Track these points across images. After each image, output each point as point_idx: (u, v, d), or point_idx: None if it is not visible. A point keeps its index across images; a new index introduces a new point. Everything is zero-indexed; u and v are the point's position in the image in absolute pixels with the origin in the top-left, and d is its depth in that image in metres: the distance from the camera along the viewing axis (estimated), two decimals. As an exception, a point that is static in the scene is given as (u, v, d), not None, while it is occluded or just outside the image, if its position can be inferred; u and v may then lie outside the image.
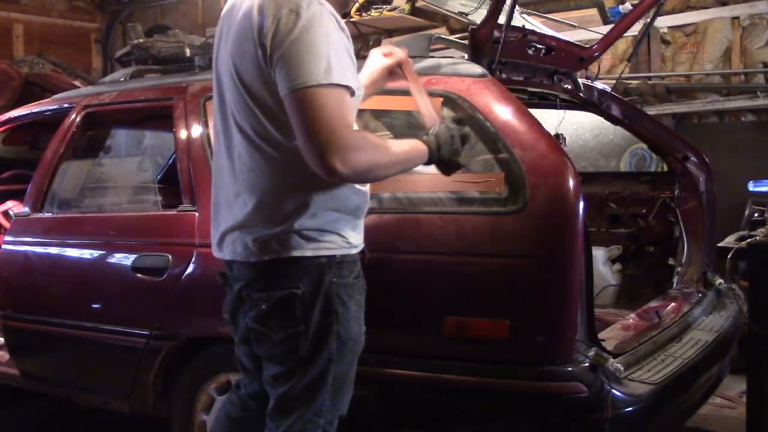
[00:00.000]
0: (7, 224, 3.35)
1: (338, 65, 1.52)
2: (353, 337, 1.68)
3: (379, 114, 2.24)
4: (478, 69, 2.16)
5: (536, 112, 2.13)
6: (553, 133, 2.33)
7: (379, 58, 1.96)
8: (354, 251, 1.69)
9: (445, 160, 1.75)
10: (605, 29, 3.29)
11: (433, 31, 2.59)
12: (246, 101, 1.61)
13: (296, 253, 1.61)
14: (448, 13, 2.64)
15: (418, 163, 1.73)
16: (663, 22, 5.11)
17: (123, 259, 2.54)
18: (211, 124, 2.50)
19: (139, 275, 2.47)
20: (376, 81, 1.94)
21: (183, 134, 2.55)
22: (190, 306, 2.38)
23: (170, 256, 2.40)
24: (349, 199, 1.67)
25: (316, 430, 1.67)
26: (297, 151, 1.58)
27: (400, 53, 1.96)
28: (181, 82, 2.72)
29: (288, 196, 1.61)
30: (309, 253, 1.61)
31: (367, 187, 1.73)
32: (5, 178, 3.95)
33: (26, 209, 2.91)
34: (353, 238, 1.69)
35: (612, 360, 1.95)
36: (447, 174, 1.82)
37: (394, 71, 1.95)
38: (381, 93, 2.00)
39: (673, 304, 2.74)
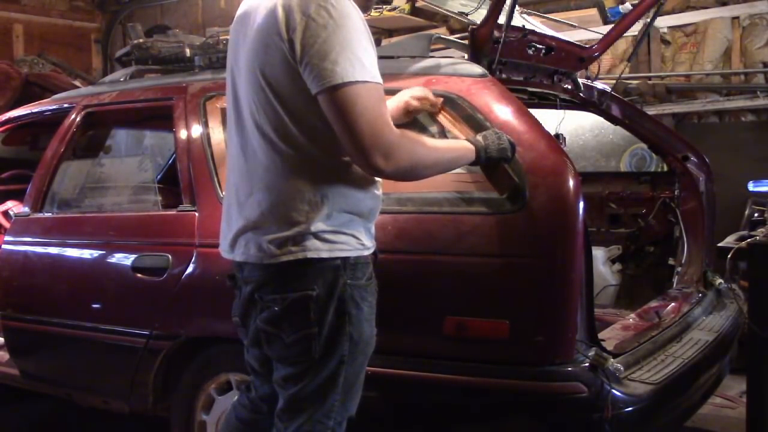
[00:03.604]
0: (7, 224, 3.35)
1: (370, 61, 1.52)
2: (365, 339, 1.67)
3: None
4: (478, 69, 2.16)
5: (536, 112, 2.13)
6: (553, 133, 2.32)
7: (404, 101, 2.00)
8: (367, 252, 1.68)
9: (493, 158, 1.83)
10: (605, 29, 3.29)
11: (433, 31, 2.58)
12: (268, 98, 1.60)
13: (312, 255, 1.59)
14: (448, 13, 2.64)
15: (465, 162, 1.81)
16: (663, 22, 5.11)
17: (123, 259, 2.54)
18: (211, 124, 2.49)
19: (139, 275, 2.47)
20: (396, 118, 1.98)
21: (183, 134, 2.55)
22: (190, 306, 2.38)
23: (170, 256, 2.40)
24: (363, 202, 1.67)
25: (325, 431, 1.67)
26: (314, 151, 1.59)
27: (431, 100, 2.03)
28: (181, 82, 2.72)
29: (303, 196, 1.60)
30: (324, 255, 1.60)
31: (380, 191, 1.73)
32: (5, 178, 3.95)
33: (26, 209, 2.91)
34: (366, 240, 1.68)
35: (612, 360, 1.95)
36: (499, 188, 1.90)
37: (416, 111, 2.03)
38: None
39: (673, 304, 2.74)
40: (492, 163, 1.86)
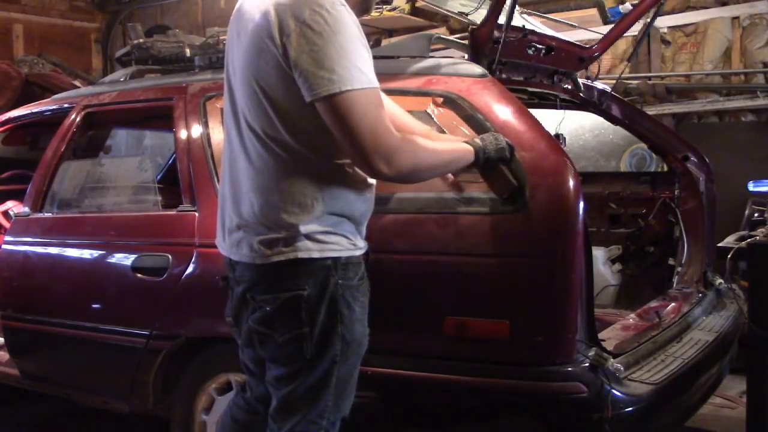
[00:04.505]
0: (7, 224, 3.35)
1: (367, 66, 1.52)
2: (357, 339, 1.67)
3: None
4: (478, 69, 2.16)
5: (536, 112, 2.13)
6: (553, 133, 2.32)
7: None
8: (358, 252, 1.69)
9: (492, 158, 1.84)
10: (605, 29, 3.29)
11: (433, 31, 2.58)
12: (260, 101, 1.60)
13: (303, 255, 1.60)
14: (448, 13, 2.64)
15: (465, 163, 1.82)
16: (663, 22, 5.11)
17: (123, 259, 2.54)
18: (211, 124, 2.50)
19: (139, 275, 2.47)
20: None
21: (183, 134, 2.55)
22: (190, 306, 2.38)
23: (170, 256, 2.40)
24: (354, 206, 1.67)
25: (318, 431, 1.67)
26: (306, 154, 1.60)
27: None
28: (181, 82, 2.72)
29: (294, 199, 1.61)
30: (315, 255, 1.61)
31: (372, 194, 1.74)
32: (5, 178, 3.95)
33: (26, 209, 2.91)
34: (358, 240, 1.69)
35: (612, 360, 1.95)
36: (498, 190, 1.90)
37: None
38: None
39: (673, 304, 2.74)
40: (491, 164, 1.87)
